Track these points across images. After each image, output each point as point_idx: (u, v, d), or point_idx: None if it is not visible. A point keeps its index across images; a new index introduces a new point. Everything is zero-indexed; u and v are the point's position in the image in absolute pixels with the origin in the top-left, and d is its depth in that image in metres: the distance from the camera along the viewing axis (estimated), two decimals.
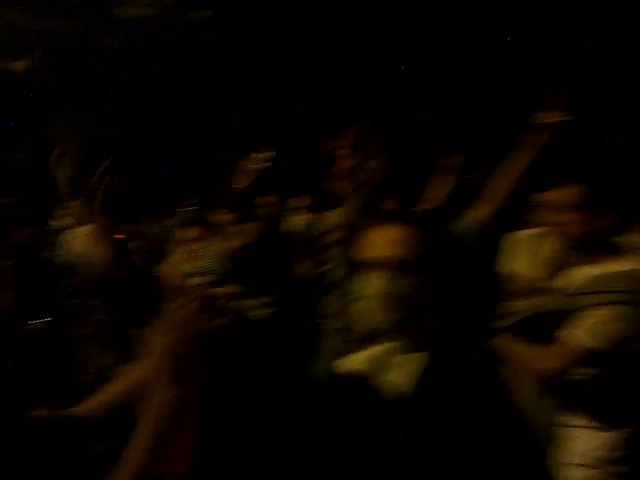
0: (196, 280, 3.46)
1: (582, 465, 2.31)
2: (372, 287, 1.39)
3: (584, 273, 2.43)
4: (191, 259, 3.77)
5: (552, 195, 2.54)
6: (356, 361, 1.49)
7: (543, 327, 2.38)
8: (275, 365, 3.29)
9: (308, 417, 1.52)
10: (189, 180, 8.20)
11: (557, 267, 3.57)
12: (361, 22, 8.31)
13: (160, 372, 1.72)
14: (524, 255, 3.58)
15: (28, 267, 3.01)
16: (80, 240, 5.47)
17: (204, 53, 8.84)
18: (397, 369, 1.39)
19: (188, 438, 1.79)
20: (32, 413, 1.32)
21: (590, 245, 2.43)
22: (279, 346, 3.61)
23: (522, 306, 2.67)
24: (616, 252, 2.42)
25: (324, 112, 7.94)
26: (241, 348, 2.96)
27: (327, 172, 3.20)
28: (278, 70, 8.79)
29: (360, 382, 1.42)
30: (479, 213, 2.69)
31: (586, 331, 2.26)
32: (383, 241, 1.41)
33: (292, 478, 1.47)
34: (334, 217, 3.25)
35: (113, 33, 8.94)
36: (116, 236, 4.55)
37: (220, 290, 3.21)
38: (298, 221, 5.28)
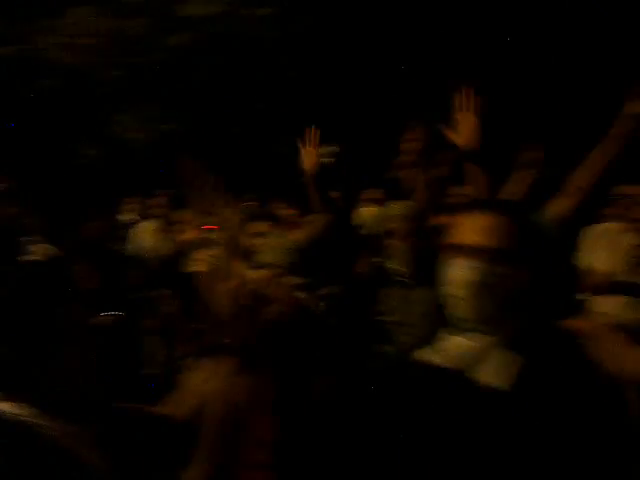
0: (264, 273, 3.46)
1: None
2: (460, 275, 1.34)
3: None
4: (259, 252, 3.78)
5: (634, 190, 2.44)
6: (441, 352, 1.43)
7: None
8: (338, 357, 3.27)
9: (378, 409, 1.48)
10: (253, 174, 8.25)
11: (636, 262, 3.44)
12: (430, 15, 8.23)
13: (231, 361, 1.70)
14: (603, 249, 3.47)
15: (99, 261, 3.05)
16: (148, 234, 5.58)
17: (267, 49, 8.89)
18: (492, 366, 1.33)
19: (265, 427, 1.77)
20: (119, 407, 1.32)
21: None
22: (342, 338, 3.58)
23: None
24: None
25: (391, 105, 7.88)
26: (307, 340, 2.94)
27: (397, 164, 3.17)
28: (342, 64, 8.76)
29: (447, 375, 1.37)
30: (560, 206, 2.60)
31: None
32: (475, 228, 1.36)
33: (369, 470, 1.44)
34: (400, 209, 3.21)
35: (178, 31, 9.07)
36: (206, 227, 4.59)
37: (287, 281, 3.19)
38: (366, 213, 5.26)
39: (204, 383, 1.92)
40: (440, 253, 1.45)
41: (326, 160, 3.99)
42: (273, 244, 3.98)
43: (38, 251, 2.74)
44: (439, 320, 1.52)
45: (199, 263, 4.67)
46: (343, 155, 4.21)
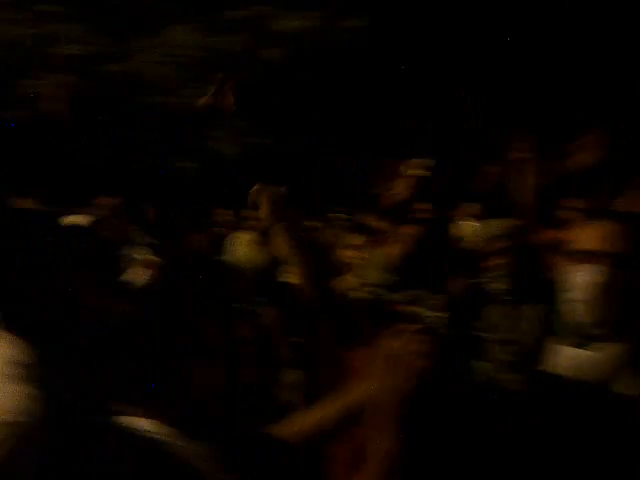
0: (368, 291, 3.44)
1: None
2: (585, 279, 1.36)
3: None
4: (358, 268, 3.76)
5: None
6: (569, 361, 1.41)
7: None
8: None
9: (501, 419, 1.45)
10: (344, 186, 8.28)
11: None
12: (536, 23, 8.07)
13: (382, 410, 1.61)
14: None
15: (199, 272, 3.11)
16: (243, 245, 5.68)
17: (361, 60, 8.93)
18: (622, 374, 1.29)
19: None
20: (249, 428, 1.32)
21: None
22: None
23: None
24: None
25: (491, 114, 7.76)
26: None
27: (502, 175, 3.10)
28: (439, 76, 8.70)
29: (575, 385, 1.34)
30: None
31: None
32: (598, 236, 1.38)
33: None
34: (501, 225, 3.14)
35: (273, 46, 9.26)
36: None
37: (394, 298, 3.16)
38: (465, 228, 5.17)
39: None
40: (557, 263, 1.46)
41: (421, 173, 3.94)
42: (370, 261, 3.95)
43: (143, 263, 2.82)
44: (547, 336, 1.49)
45: (293, 274, 4.71)
46: (439, 168, 4.15)
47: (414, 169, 3.91)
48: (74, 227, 1.85)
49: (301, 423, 1.34)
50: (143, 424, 0.79)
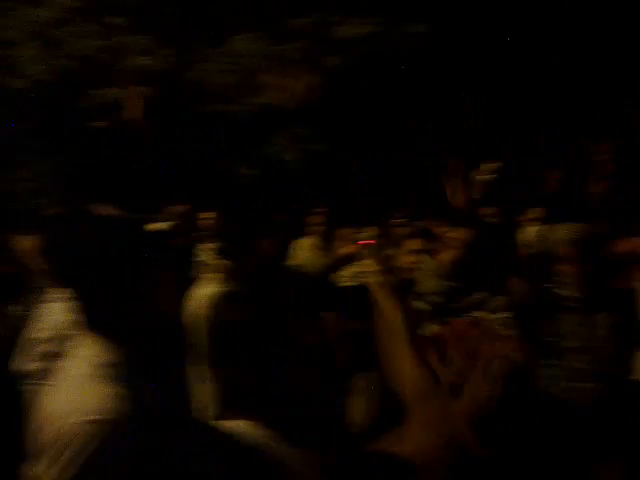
0: (431, 300, 3.43)
1: None
2: None
3: None
4: (420, 273, 3.75)
5: None
6: None
7: None
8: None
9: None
10: (407, 191, 8.26)
11: None
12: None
13: None
14: None
15: (270, 278, 3.16)
16: (306, 250, 5.73)
17: (422, 66, 8.89)
18: None
19: None
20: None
21: None
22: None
23: None
24: None
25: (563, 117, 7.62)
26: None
27: (567, 183, 3.04)
28: (502, 79, 8.58)
29: None
30: None
31: None
32: None
33: None
34: (570, 231, 3.06)
35: (334, 53, 9.30)
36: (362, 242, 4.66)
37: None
38: (531, 232, 5.08)
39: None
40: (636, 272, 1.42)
41: (487, 177, 3.91)
42: (427, 270, 3.92)
43: (214, 268, 2.89)
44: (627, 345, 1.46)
45: (353, 279, 4.73)
46: (505, 171, 4.10)
47: (482, 173, 3.89)
48: (157, 233, 1.92)
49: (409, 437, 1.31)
50: (240, 425, 0.82)
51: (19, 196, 8.70)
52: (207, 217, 4.43)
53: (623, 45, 7.98)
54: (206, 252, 3.19)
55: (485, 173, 3.71)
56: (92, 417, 1.19)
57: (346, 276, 4.92)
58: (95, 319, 1.34)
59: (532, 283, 3.55)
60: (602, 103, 7.80)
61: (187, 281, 2.60)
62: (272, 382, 1.21)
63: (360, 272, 4.81)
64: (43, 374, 2.06)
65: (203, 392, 1.85)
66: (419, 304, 3.48)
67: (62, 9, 9.35)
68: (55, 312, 2.26)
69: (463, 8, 8.50)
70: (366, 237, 5.21)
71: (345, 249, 5.24)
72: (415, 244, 4.25)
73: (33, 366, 2.22)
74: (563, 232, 3.15)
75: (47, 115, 8.70)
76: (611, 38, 8.06)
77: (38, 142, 8.80)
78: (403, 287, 3.81)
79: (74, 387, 1.28)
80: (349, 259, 5.05)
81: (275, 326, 1.36)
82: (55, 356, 1.82)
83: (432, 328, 3.04)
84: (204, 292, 2.70)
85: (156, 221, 2.58)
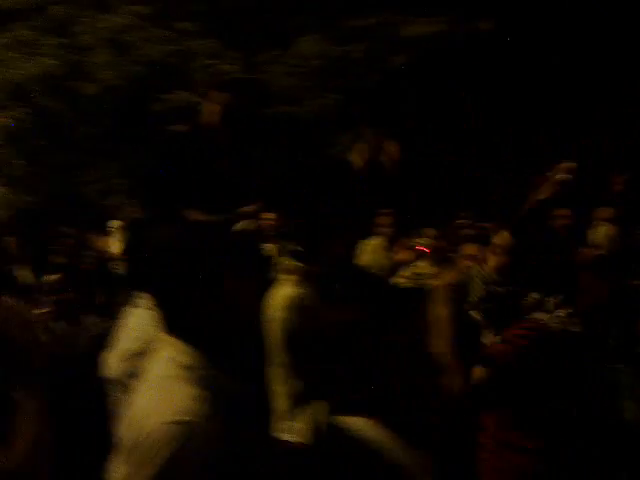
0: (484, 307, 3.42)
1: None
2: None
3: None
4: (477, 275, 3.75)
5: None
6: None
7: None
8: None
9: None
10: (475, 194, 8.20)
11: None
12: None
13: None
14: None
15: (341, 277, 3.21)
16: (370, 250, 5.77)
17: (490, 64, 8.77)
18: None
19: None
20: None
21: None
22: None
23: None
24: None
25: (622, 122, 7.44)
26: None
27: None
28: (565, 79, 8.41)
29: None
30: None
31: None
32: None
33: None
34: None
35: (399, 52, 9.26)
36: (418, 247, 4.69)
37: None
38: (602, 233, 5.00)
39: None
40: None
41: (563, 177, 3.86)
42: (477, 277, 3.90)
43: (288, 269, 2.96)
44: None
45: (407, 281, 4.75)
46: (578, 171, 4.04)
47: (559, 173, 3.84)
48: (243, 234, 1.98)
49: None
50: (359, 423, 0.84)
51: (94, 198, 9.02)
52: (280, 219, 4.53)
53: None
54: (282, 253, 3.27)
55: (563, 172, 3.67)
56: (175, 419, 1.21)
57: (405, 277, 4.95)
58: (177, 321, 1.35)
59: (610, 282, 3.50)
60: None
61: (265, 283, 2.68)
62: (373, 381, 1.25)
63: (418, 274, 4.84)
64: (128, 377, 2.15)
65: (281, 392, 1.90)
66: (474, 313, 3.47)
67: (132, 15, 9.63)
68: (138, 315, 2.35)
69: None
70: (426, 240, 5.23)
71: (405, 252, 5.27)
72: (471, 249, 4.23)
73: (119, 370, 2.29)
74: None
75: (120, 119, 8.98)
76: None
77: (111, 145, 9.10)
78: (459, 293, 3.80)
79: (157, 389, 1.30)
80: (408, 261, 5.08)
81: (372, 327, 1.40)
82: (139, 359, 1.90)
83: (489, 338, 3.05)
84: (282, 293, 2.78)
85: (236, 223, 2.66)
